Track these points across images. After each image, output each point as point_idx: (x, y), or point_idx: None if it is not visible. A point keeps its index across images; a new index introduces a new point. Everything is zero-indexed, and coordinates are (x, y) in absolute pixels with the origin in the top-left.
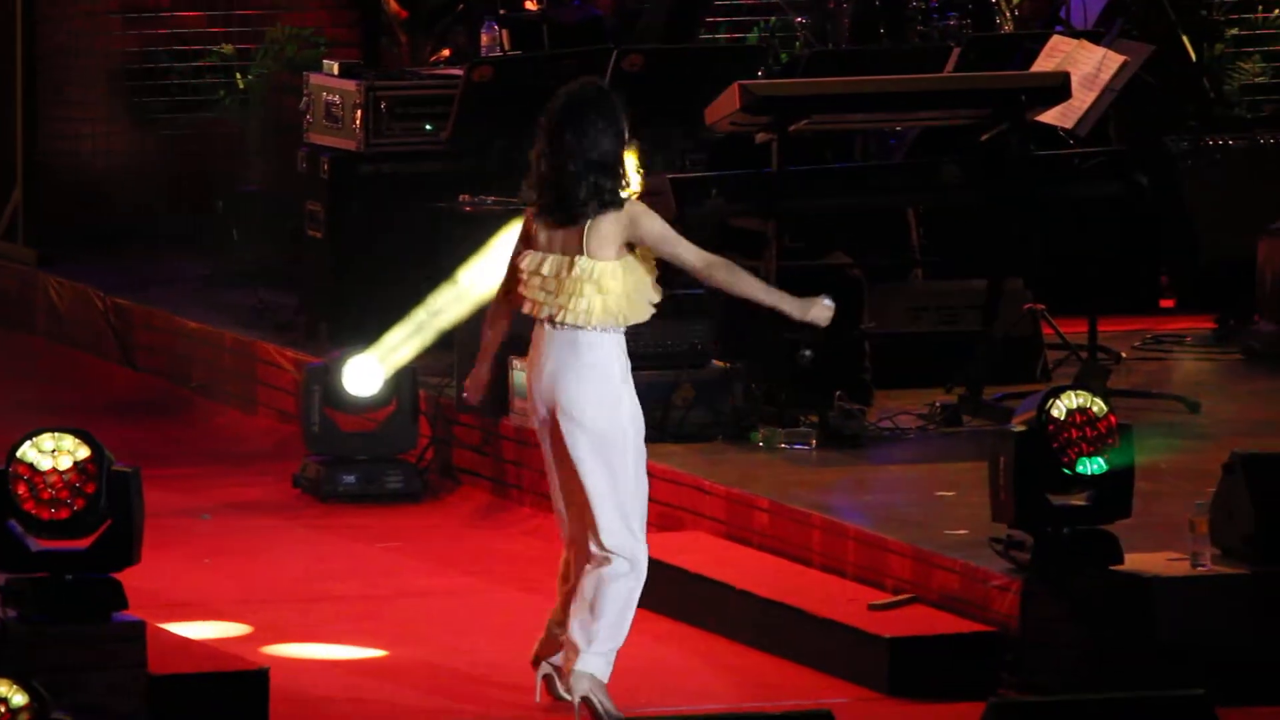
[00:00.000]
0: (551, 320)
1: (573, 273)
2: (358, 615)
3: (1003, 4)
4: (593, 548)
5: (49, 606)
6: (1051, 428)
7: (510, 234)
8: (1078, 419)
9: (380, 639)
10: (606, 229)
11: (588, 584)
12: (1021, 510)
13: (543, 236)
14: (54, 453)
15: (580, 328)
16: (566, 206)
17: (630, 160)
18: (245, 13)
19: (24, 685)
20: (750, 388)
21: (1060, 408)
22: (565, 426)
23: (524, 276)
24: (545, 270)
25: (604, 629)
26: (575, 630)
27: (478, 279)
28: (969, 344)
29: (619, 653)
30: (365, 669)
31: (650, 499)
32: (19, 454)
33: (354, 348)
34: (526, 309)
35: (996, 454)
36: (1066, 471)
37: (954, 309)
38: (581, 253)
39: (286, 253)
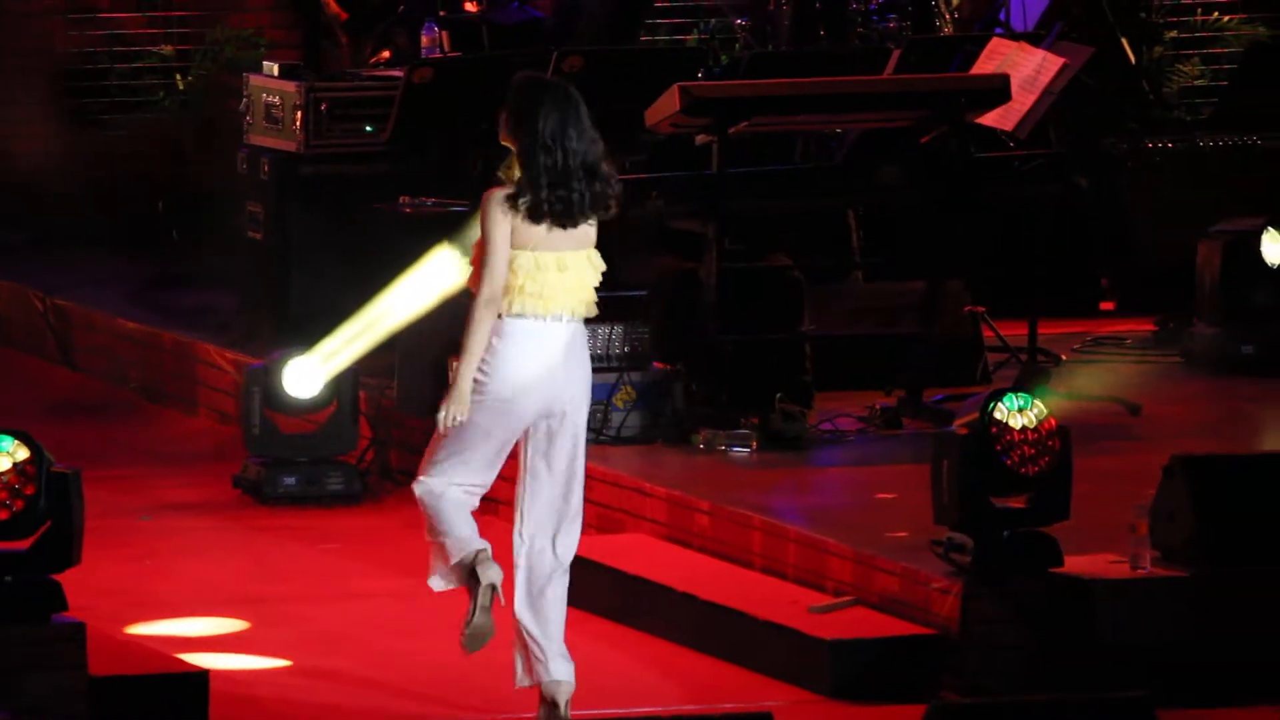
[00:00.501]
0: (554, 317)
1: (581, 268)
2: (298, 617)
3: (942, 6)
4: (565, 552)
5: None
6: (994, 430)
7: (465, 235)
8: (1018, 422)
9: (320, 641)
10: (591, 227)
11: (559, 588)
12: (964, 513)
13: (532, 232)
14: None
15: (576, 321)
16: (571, 209)
17: None
18: (185, 13)
19: None
20: (690, 389)
21: (1003, 410)
22: (568, 423)
23: (522, 273)
24: (553, 266)
25: None
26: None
27: (419, 285)
28: (909, 346)
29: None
30: (305, 671)
31: (591, 501)
32: None
33: (294, 349)
34: (519, 308)
35: (940, 456)
36: (1008, 473)
37: (894, 311)
38: (578, 248)
39: (226, 254)
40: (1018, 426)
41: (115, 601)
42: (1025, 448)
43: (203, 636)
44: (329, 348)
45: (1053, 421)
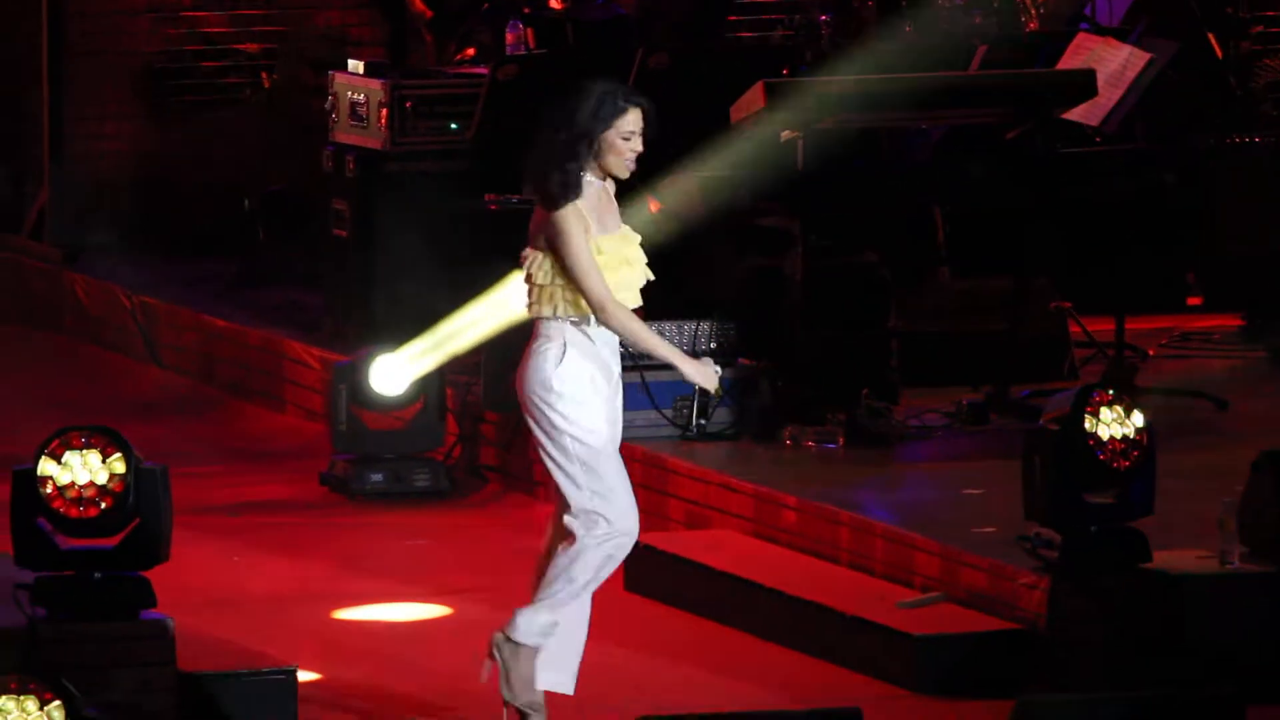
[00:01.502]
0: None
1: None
2: (386, 614)
3: (1028, 2)
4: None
5: (77, 605)
6: (1087, 425)
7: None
8: (1109, 417)
9: (408, 637)
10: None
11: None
12: (1055, 508)
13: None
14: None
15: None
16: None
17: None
18: (269, 11)
19: (54, 684)
20: (777, 386)
21: (1095, 405)
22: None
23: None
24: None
25: None
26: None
27: (508, 295)
28: (996, 342)
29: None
30: (394, 668)
31: (678, 497)
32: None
33: (381, 346)
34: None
35: (1032, 452)
36: (1099, 464)
37: (981, 307)
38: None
39: (313, 252)
40: (1109, 422)
41: (204, 598)
42: (1116, 443)
43: (291, 632)
44: (417, 348)
45: (1140, 417)
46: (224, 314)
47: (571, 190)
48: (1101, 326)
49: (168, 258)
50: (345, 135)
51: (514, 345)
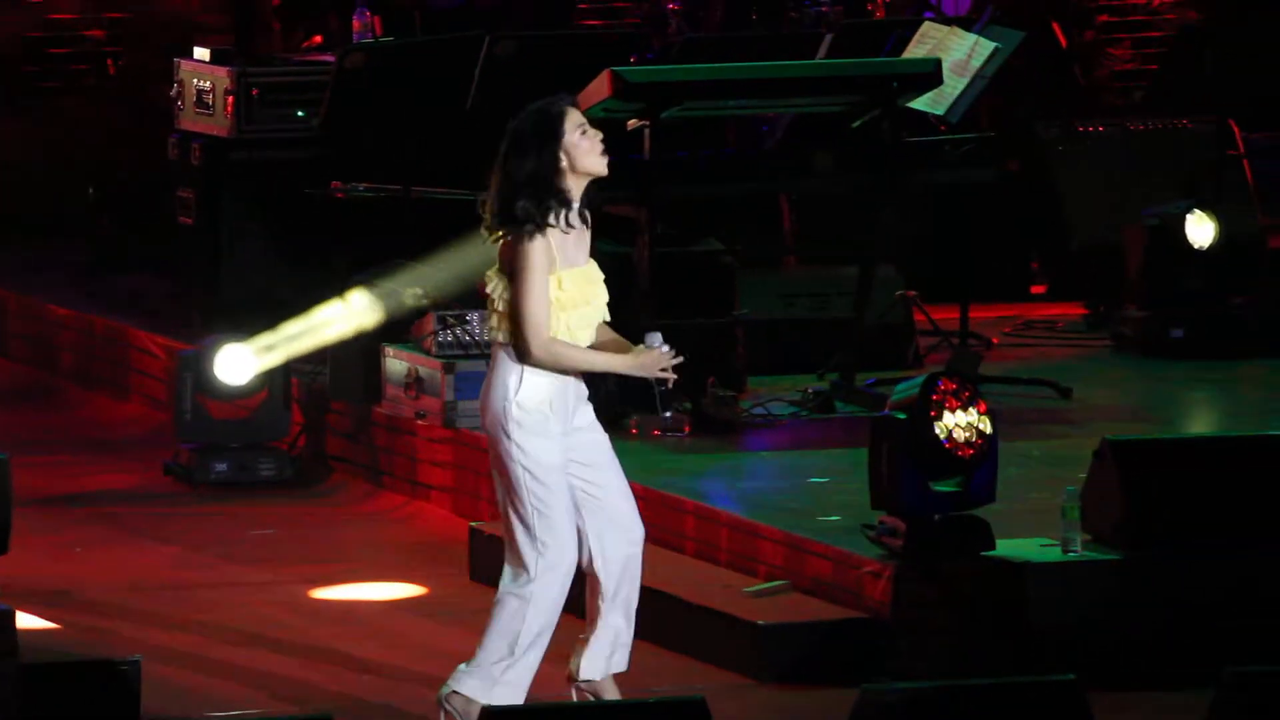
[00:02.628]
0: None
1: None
2: (230, 603)
3: None
4: (632, 544)
5: None
6: (933, 413)
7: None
8: (953, 405)
9: (253, 627)
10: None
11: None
12: (901, 497)
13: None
14: None
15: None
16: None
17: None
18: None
19: None
20: (622, 374)
21: (940, 393)
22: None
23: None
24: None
25: None
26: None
27: (362, 300)
28: (841, 330)
29: None
30: (238, 656)
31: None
32: None
33: (227, 335)
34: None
35: (879, 440)
36: (943, 447)
37: (826, 295)
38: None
39: (159, 240)
40: (954, 410)
41: (46, 588)
42: (960, 431)
43: (134, 623)
44: (264, 342)
45: (983, 405)
46: (69, 302)
47: (539, 215)
48: (946, 315)
49: (13, 246)
50: (191, 123)
51: (361, 338)
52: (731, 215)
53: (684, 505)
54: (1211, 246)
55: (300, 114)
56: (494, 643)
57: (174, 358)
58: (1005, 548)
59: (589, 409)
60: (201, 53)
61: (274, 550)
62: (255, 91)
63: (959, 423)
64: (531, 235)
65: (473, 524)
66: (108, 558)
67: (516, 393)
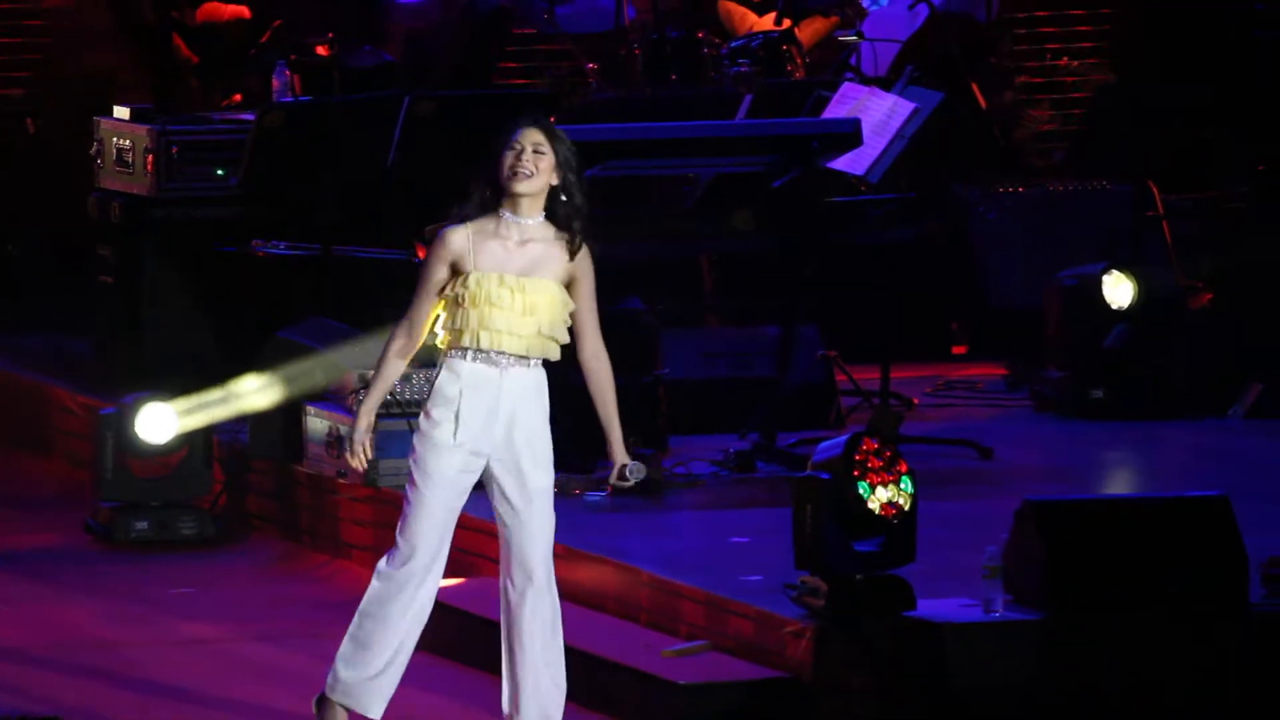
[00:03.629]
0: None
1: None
2: (152, 661)
3: (794, 51)
4: (542, 586)
5: None
6: (856, 473)
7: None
8: (875, 464)
9: (176, 685)
10: None
11: (546, 630)
12: (823, 555)
13: None
14: None
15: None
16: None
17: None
18: (35, 56)
19: None
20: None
21: (863, 454)
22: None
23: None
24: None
25: None
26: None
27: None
28: (762, 390)
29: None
30: (156, 713)
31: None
32: None
33: (148, 394)
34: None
35: (803, 500)
36: (865, 509)
37: (747, 354)
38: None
39: (78, 298)
40: (876, 470)
41: None
42: (883, 489)
43: (52, 681)
44: (188, 405)
45: (904, 465)
46: None
47: (456, 213)
48: (867, 375)
49: None
50: (111, 181)
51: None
52: (653, 274)
53: (605, 564)
54: (1130, 307)
55: (220, 172)
56: None
57: (95, 416)
58: (926, 608)
59: (515, 441)
60: (121, 111)
61: (194, 609)
62: (175, 149)
63: (881, 483)
64: (449, 228)
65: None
66: (29, 615)
67: (430, 394)
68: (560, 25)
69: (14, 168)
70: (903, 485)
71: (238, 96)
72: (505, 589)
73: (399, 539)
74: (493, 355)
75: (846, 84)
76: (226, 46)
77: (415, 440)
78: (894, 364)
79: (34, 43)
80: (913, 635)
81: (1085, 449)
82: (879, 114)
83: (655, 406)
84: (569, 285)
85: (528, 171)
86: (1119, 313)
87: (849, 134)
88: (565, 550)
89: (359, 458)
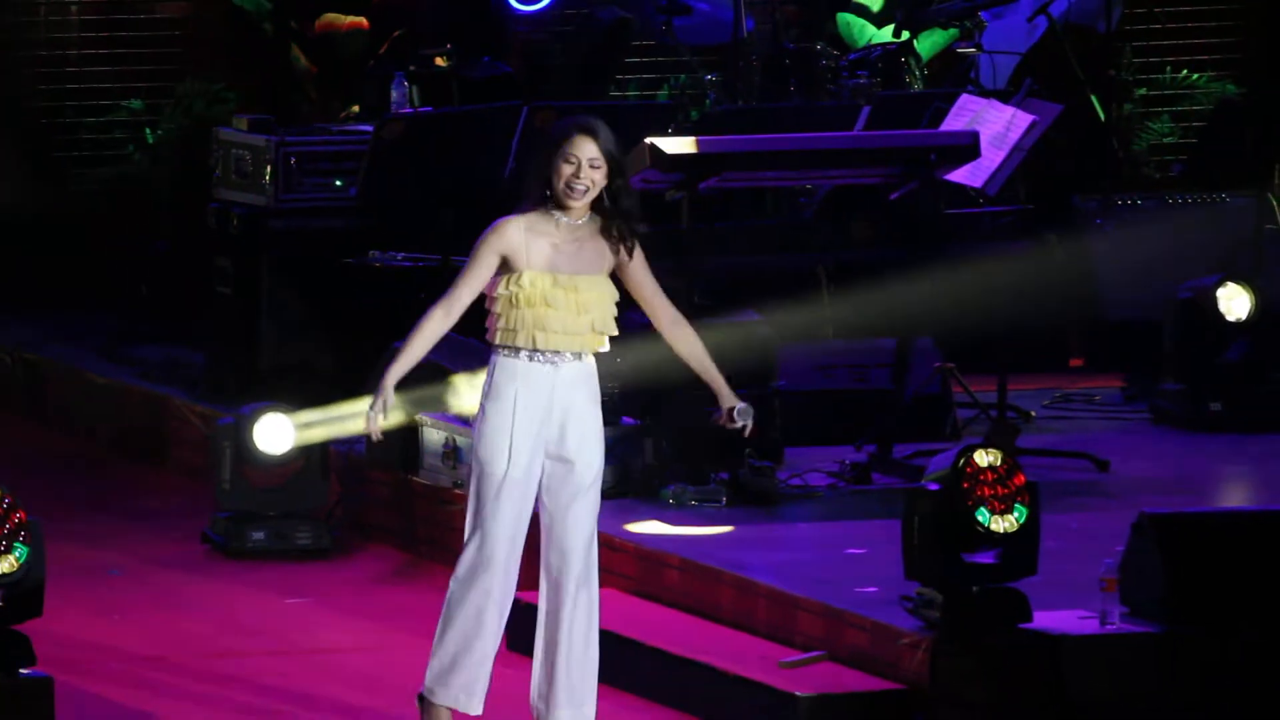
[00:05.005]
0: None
1: None
2: (267, 671)
3: (912, 63)
4: (580, 577)
5: None
6: (965, 485)
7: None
8: (988, 477)
9: (289, 696)
10: None
11: (578, 619)
12: (934, 568)
13: None
14: None
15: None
16: None
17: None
18: (154, 68)
19: None
20: (661, 445)
21: (975, 465)
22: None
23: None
24: None
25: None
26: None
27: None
28: (879, 402)
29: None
30: None
31: None
32: None
33: (265, 404)
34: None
35: (911, 512)
36: (979, 529)
37: (864, 367)
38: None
39: (196, 308)
40: (988, 482)
41: (84, 656)
42: (995, 503)
43: (171, 691)
44: (307, 418)
45: (1021, 478)
46: (107, 371)
47: (507, 211)
48: (984, 387)
49: (50, 314)
50: (230, 192)
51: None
52: (770, 286)
53: (721, 576)
54: (1248, 319)
55: (338, 183)
56: None
57: (212, 427)
58: (1043, 620)
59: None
60: (240, 121)
61: (310, 618)
62: (294, 160)
63: (994, 495)
64: (503, 219)
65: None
66: (145, 625)
67: (485, 398)
68: (679, 37)
69: (134, 178)
70: (1015, 511)
71: (356, 108)
72: (544, 577)
73: (468, 544)
74: (548, 354)
75: (965, 96)
76: (345, 58)
77: (475, 440)
78: (1011, 376)
79: (153, 53)
80: (1029, 648)
81: (1203, 462)
82: (997, 126)
83: (771, 419)
84: (624, 272)
85: (584, 187)
86: (1236, 325)
87: (967, 146)
88: (683, 562)
89: (374, 424)
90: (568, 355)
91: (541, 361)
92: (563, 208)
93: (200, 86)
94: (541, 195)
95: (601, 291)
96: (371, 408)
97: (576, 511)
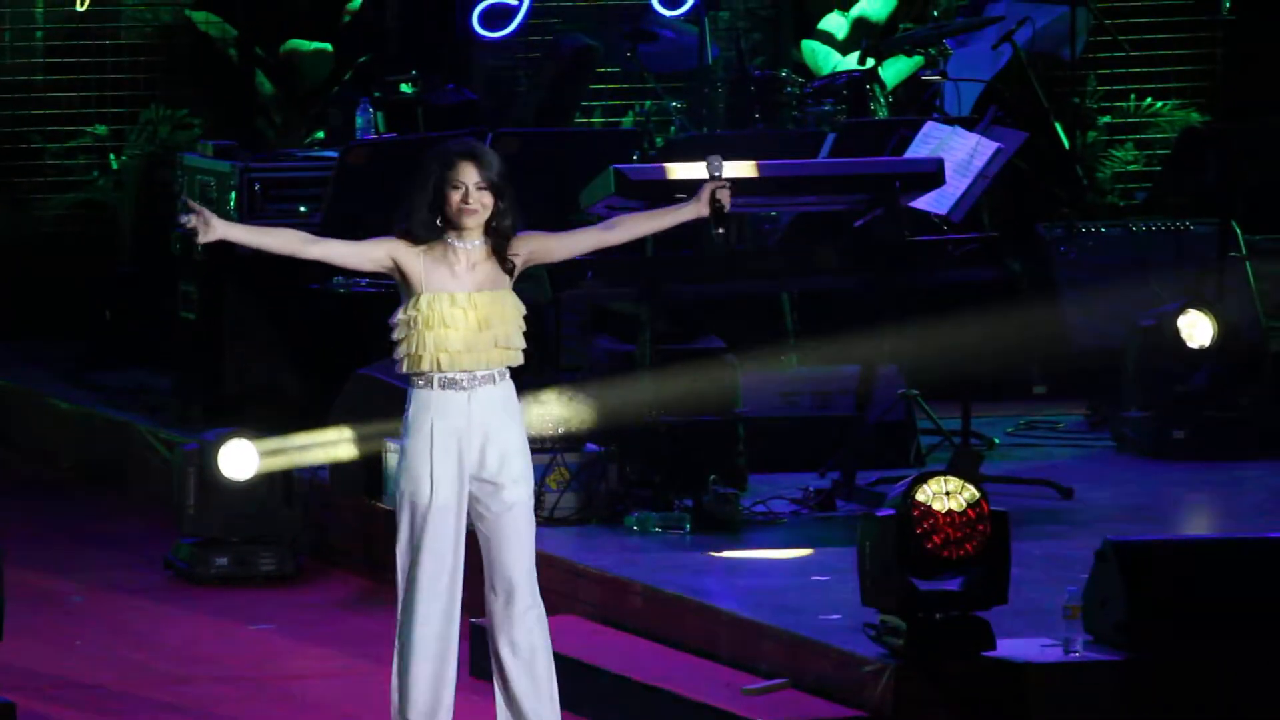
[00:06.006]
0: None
1: None
2: (231, 697)
3: (876, 90)
4: (526, 598)
5: None
6: (916, 513)
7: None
8: (944, 505)
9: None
10: None
11: (533, 640)
12: (886, 595)
13: None
14: None
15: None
16: None
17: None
18: (119, 93)
19: None
20: (624, 471)
21: (926, 493)
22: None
23: None
24: None
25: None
26: (544, 704)
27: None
28: (843, 428)
29: None
30: None
31: None
32: None
33: (229, 430)
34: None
35: (863, 539)
36: (931, 556)
37: (828, 393)
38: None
39: (159, 334)
40: (942, 510)
41: (45, 682)
42: (950, 530)
43: (134, 718)
44: (273, 446)
45: (984, 505)
46: (70, 396)
47: (396, 227)
48: (948, 414)
49: (12, 339)
50: None
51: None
52: (733, 313)
53: (685, 603)
54: (1210, 346)
55: (303, 209)
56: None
57: (176, 452)
58: (1007, 648)
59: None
60: (204, 147)
61: (274, 645)
62: (258, 186)
63: (948, 522)
64: (400, 239)
65: (474, 620)
66: (108, 651)
67: (404, 437)
68: (644, 63)
69: (97, 203)
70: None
71: (321, 134)
72: (490, 607)
73: (403, 579)
74: (456, 376)
75: (930, 123)
76: (309, 83)
77: (398, 476)
78: (975, 403)
79: (118, 79)
80: (993, 675)
81: (1166, 489)
82: (962, 153)
83: (735, 445)
84: (538, 260)
85: (474, 209)
86: (1199, 352)
87: (932, 173)
88: (645, 589)
89: (199, 216)
90: (478, 376)
91: (452, 387)
92: (455, 230)
93: (165, 113)
94: (431, 224)
95: (502, 306)
96: (194, 211)
97: (510, 533)
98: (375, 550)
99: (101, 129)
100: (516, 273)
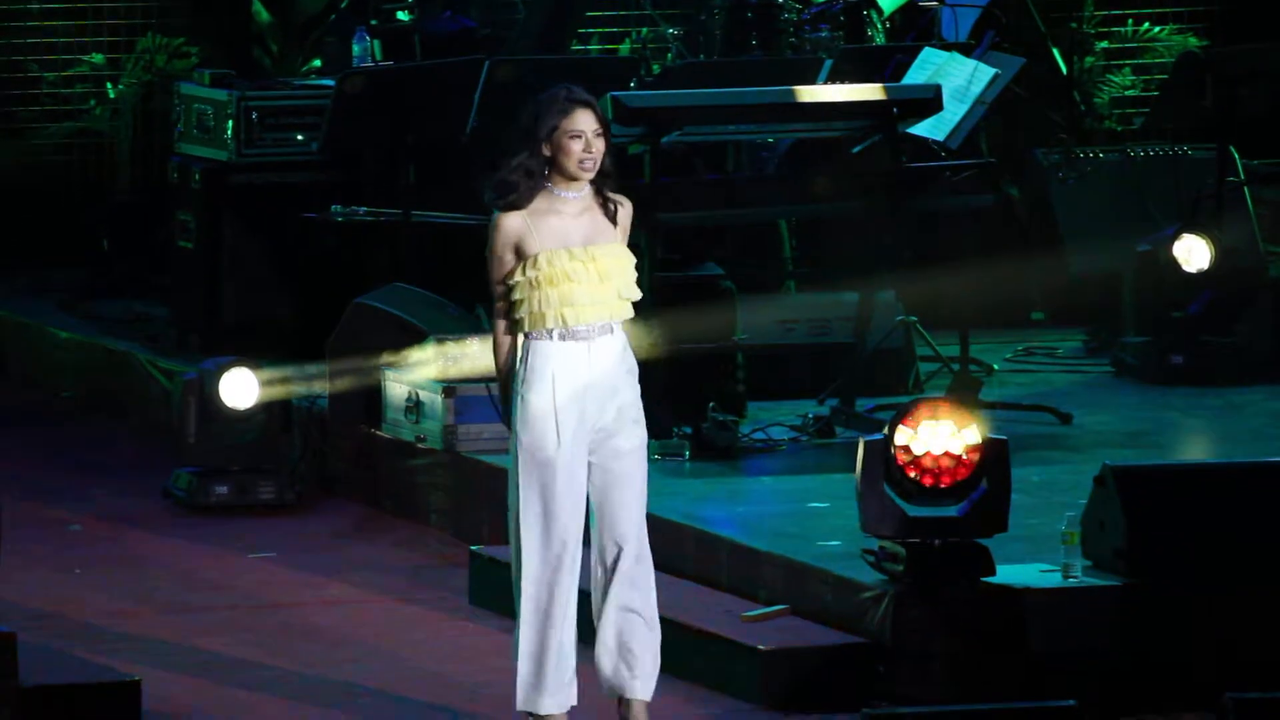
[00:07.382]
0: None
1: None
2: (230, 626)
3: (874, 16)
4: (635, 549)
5: None
6: (905, 440)
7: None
8: (931, 432)
9: (252, 649)
10: None
11: (637, 593)
12: (882, 522)
13: None
14: None
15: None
16: None
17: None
18: (115, 22)
19: None
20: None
21: (914, 419)
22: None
23: None
24: None
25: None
26: (646, 656)
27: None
28: (841, 355)
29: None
30: (237, 680)
31: None
32: None
33: (228, 359)
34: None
35: (860, 465)
36: (919, 484)
37: (826, 321)
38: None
39: (158, 263)
40: (931, 437)
41: (45, 611)
42: (939, 458)
43: (133, 645)
44: (273, 374)
45: (975, 432)
46: (69, 326)
47: (502, 196)
48: (947, 341)
49: (11, 269)
50: (191, 147)
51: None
52: (731, 240)
53: (684, 530)
54: (1208, 271)
55: (300, 138)
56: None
57: (176, 381)
58: (1006, 574)
59: (610, 415)
60: (201, 76)
61: (273, 573)
62: (255, 115)
63: (932, 450)
64: (501, 214)
65: (473, 548)
66: (107, 580)
67: (521, 389)
68: None
69: (94, 133)
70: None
71: (318, 62)
72: (598, 560)
73: (530, 540)
74: (578, 330)
75: (927, 49)
76: (306, 12)
77: (518, 428)
78: (973, 330)
79: (114, 7)
80: (992, 601)
81: (1165, 415)
82: (959, 79)
83: (733, 372)
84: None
85: (596, 160)
86: (1197, 276)
87: (929, 99)
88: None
89: None
90: (597, 329)
91: (573, 339)
92: (565, 184)
93: (162, 41)
94: (540, 182)
95: (619, 257)
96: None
97: (623, 478)
98: (374, 478)
99: (98, 57)
100: (618, 219)
